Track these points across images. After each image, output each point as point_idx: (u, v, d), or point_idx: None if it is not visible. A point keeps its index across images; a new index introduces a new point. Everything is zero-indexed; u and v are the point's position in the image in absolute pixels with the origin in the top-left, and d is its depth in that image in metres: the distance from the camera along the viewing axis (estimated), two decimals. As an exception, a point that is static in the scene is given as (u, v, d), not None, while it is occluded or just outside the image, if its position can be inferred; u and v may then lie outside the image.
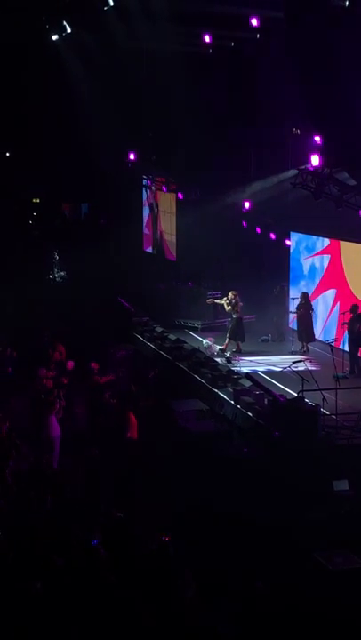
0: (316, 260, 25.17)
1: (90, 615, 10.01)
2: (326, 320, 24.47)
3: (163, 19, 23.33)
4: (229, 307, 23.92)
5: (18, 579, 10.48)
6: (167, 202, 33.15)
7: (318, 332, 24.15)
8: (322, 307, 24.77)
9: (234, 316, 23.86)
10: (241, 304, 24.03)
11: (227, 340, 23.90)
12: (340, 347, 21.68)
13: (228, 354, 23.44)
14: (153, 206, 35.09)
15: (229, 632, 10.00)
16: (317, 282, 25.18)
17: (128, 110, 29.84)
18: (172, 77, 25.73)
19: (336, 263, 24.18)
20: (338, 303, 24.05)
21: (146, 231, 36.20)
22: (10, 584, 10.35)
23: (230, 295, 23.99)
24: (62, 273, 34.43)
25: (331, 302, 24.49)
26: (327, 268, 24.67)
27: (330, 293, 24.60)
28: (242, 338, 23.91)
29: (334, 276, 24.32)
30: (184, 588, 10.60)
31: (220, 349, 23.81)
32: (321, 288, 25.05)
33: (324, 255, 24.80)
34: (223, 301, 24.21)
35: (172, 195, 31.93)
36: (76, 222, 40.93)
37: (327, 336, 23.56)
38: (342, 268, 23.90)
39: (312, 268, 25.40)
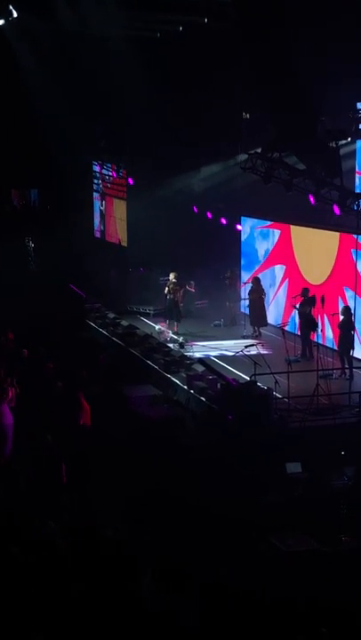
0: (270, 243, 25.24)
1: (46, 604, 9.98)
2: (273, 297, 24.62)
3: (111, 3, 23.14)
4: (167, 288, 24.30)
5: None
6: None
7: (268, 312, 24.36)
8: (269, 283, 25.00)
9: (169, 297, 24.25)
10: (186, 288, 24.60)
11: (173, 322, 24.19)
12: (287, 328, 21.78)
13: (181, 339, 23.49)
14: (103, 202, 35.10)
15: (188, 618, 10.03)
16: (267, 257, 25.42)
17: (78, 96, 29.60)
18: (121, 62, 25.57)
19: (286, 239, 24.32)
20: (286, 280, 24.22)
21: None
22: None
23: (171, 276, 24.34)
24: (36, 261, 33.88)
25: (279, 279, 24.64)
26: (277, 242, 24.80)
27: (278, 269, 24.73)
28: (178, 318, 24.39)
29: (284, 252, 24.45)
30: (139, 574, 10.61)
31: (173, 334, 23.92)
32: (270, 262, 25.18)
33: (275, 230, 24.94)
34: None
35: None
36: (25, 208, 40.56)
37: (276, 317, 23.92)
38: (292, 246, 24.04)
39: (267, 253, 25.48)
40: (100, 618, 9.82)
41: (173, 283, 24.22)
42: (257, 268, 25.83)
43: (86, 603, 10.02)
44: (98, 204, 36.07)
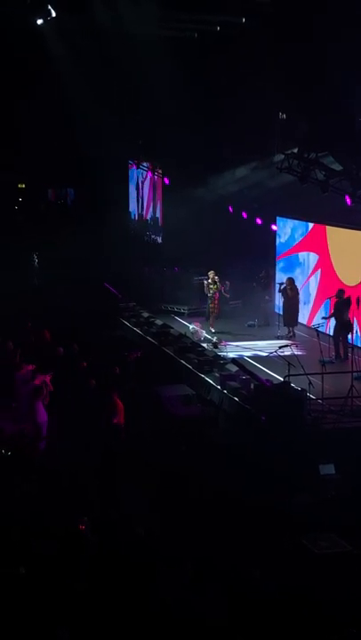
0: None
1: (75, 601, 10.02)
2: (304, 284, 24.57)
3: (149, 2, 23.21)
4: (215, 285, 24.41)
5: (2, 563, 10.48)
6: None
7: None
8: (301, 268, 25.01)
9: (210, 295, 24.62)
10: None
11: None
12: (320, 329, 21.70)
13: (215, 339, 23.49)
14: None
15: (217, 619, 10.03)
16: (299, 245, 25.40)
17: (114, 96, 29.72)
18: (157, 62, 25.59)
19: (320, 228, 24.23)
20: (319, 271, 24.16)
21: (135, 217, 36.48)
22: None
23: (212, 274, 24.51)
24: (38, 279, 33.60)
25: (312, 267, 24.58)
26: (311, 229, 24.68)
27: (312, 257, 24.62)
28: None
29: (318, 242, 24.29)
30: (176, 574, 10.61)
31: (207, 333, 24.01)
32: (302, 247, 25.08)
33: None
34: (210, 283, 24.54)
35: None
36: (61, 207, 40.81)
37: (305, 313, 24.14)
38: (326, 238, 23.88)
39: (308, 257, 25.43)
40: (123, 615, 9.84)
41: (215, 281, 24.47)
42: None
43: (111, 600, 10.04)
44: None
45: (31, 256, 34.42)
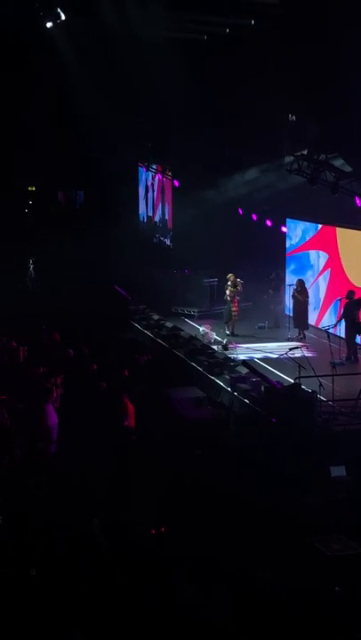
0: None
1: (87, 602, 10.02)
2: (313, 284, 24.50)
3: (157, 5, 23.24)
4: (234, 288, 24.52)
5: (14, 565, 10.49)
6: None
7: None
8: (309, 267, 24.98)
9: (229, 299, 24.59)
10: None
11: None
12: (330, 331, 21.66)
13: (225, 341, 23.46)
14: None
15: (224, 621, 10.00)
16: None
17: (123, 98, 29.75)
18: (166, 64, 25.60)
19: (330, 228, 24.22)
20: (328, 270, 24.10)
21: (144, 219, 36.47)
22: (6, 570, 10.36)
23: (232, 277, 24.58)
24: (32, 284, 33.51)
25: (321, 266, 24.49)
26: (321, 228, 24.65)
27: (322, 255, 24.53)
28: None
29: (327, 241, 24.23)
30: (183, 579, 10.60)
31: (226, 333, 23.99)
32: (311, 245, 25.03)
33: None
34: (229, 285, 24.53)
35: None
36: (71, 209, 40.86)
37: (313, 313, 24.07)
38: (336, 239, 23.82)
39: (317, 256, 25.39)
40: (130, 615, 9.83)
41: (235, 284, 24.56)
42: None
43: (119, 600, 10.04)
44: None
45: (29, 261, 34.53)
